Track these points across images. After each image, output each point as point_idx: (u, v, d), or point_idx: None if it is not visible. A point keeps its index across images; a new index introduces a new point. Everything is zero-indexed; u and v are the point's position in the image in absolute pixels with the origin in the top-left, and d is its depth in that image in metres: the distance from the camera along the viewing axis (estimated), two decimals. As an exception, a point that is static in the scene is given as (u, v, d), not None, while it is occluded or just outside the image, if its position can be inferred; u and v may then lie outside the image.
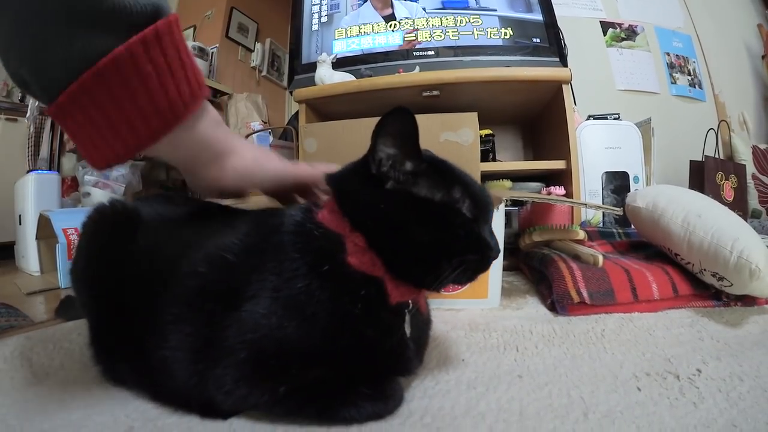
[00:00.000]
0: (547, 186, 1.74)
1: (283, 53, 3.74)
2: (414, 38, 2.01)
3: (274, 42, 3.66)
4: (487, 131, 1.89)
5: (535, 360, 0.72)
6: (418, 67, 1.91)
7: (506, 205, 1.25)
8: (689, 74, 2.71)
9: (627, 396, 0.58)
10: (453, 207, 0.55)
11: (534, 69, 1.75)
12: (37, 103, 2.52)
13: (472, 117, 1.20)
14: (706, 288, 0.99)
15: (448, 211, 0.54)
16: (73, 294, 0.70)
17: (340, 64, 1.97)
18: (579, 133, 1.82)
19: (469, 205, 0.55)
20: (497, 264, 0.96)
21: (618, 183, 1.88)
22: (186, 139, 0.51)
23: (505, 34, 1.96)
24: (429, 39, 2.00)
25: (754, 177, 2.35)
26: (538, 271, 1.19)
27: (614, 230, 1.52)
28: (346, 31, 2.09)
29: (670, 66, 2.68)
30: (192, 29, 3.32)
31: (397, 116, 0.52)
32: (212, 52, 3.14)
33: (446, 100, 1.77)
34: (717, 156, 2.30)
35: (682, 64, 2.71)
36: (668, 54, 2.69)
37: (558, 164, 1.71)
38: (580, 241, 1.26)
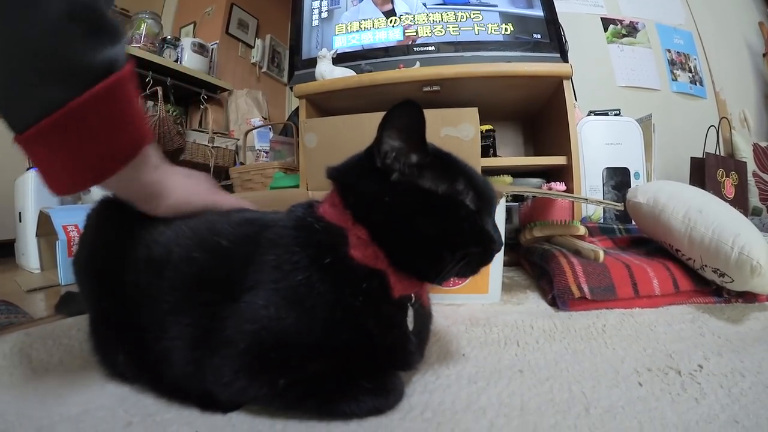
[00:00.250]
0: (548, 182, 1.74)
1: (283, 49, 3.74)
2: (414, 33, 2.00)
3: (274, 38, 3.66)
4: (488, 127, 1.89)
5: (536, 355, 0.72)
6: (418, 63, 1.90)
7: (507, 201, 1.25)
8: (690, 71, 2.71)
9: (628, 391, 0.58)
10: (456, 199, 0.54)
11: (535, 64, 1.74)
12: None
13: (473, 112, 1.19)
14: (707, 284, 0.99)
15: (452, 203, 0.54)
16: (73, 290, 0.70)
17: (340, 59, 1.97)
18: (580, 129, 1.82)
19: (472, 197, 0.55)
20: (498, 259, 0.95)
21: (619, 179, 1.88)
22: (127, 182, 0.57)
23: (506, 29, 1.96)
24: (429, 34, 2.00)
25: (754, 174, 2.35)
26: (538, 266, 1.19)
27: (615, 226, 1.52)
28: (347, 26, 2.09)
29: (671, 63, 2.67)
30: (192, 26, 3.32)
31: (404, 109, 0.51)
32: (212, 49, 3.14)
33: (447, 95, 1.77)
34: (718, 153, 2.30)
35: (683, 61, 2.71)
36: (669, 51, 2.69)
37: (558, 160, 1.71)
38: (580, 237, 1.26)
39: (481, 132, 1.77)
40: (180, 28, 3.35)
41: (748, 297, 0.97)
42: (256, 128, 2.72)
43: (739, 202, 2.16)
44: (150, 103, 2.67)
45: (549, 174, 1.87)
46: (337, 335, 0.51)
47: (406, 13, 2.03)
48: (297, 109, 2.10)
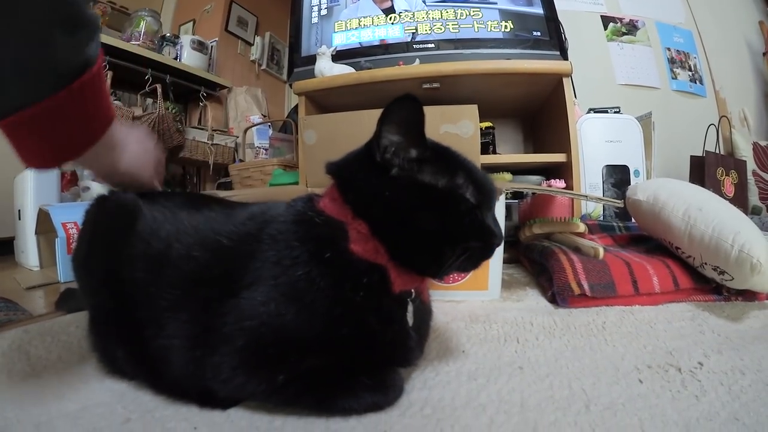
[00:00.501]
0: (548, 179, 1.74)
1: (282, 47, 3.73)
2: (414, 30, 2.00)
3: (273, 35, 3.65)
4: (488, 124, 1.89)
5: (535, 352, 0.72)
6: (418, 60, 1.90)
7: (506, 198, 1.25)
8: (690, 70, 2.71)
9: (629, 388, 0.58)
10: (457, 193, 0.54)
11: (534, 62, 1.74)
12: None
13: (472, 109, 1.19)
14: (707, 282, 0.99)
15: (452, 198, 0.54)
16: (73, 287, 0.70)
17: (339, 56, 1.97)
18: (579, 127, 1.82)
19: (472, 191, 0.55)
20: (497, 256, 0.95)
21: (618, 177, 1.87)
22: (91, 159, 0.64)
23: (506, 27, 1.96)
24: (429, 32, 1.99)
25: (754, 173, 2.35)
26: (538, 263, 1.19)
27: (614, 223, 1.52)
28: (346, 23, 2.08)
29: (671, 61, 2.67)
30: (191, 23, 3.32)
31: (403, 104, 0.51)
32: (212, 46, 3.13)
33: (446, 92, 1.77)
34: (717, 152, 2.30)
35: (683, 60, 2.70)
36: (669, 49, 2.69)
37: (558, 157, 1.71)
38: (580, 234, 1.26)
39: (481, 129, 1.77)
40: (179, 26, 3.34)
41: (748, 295, 0.97)
42: (255, 125, 2.72)
43: (739, 200, 2.16)
44: (149, 101, 2.67)
45: (549, 171, 1.87)
46: (337, 331, 0.51)
47: (406, 11, 2.03)
48: (296, 106, 2.10)
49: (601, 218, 1.80)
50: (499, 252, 0.62)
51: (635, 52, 2.64)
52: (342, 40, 2.08)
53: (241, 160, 2.78)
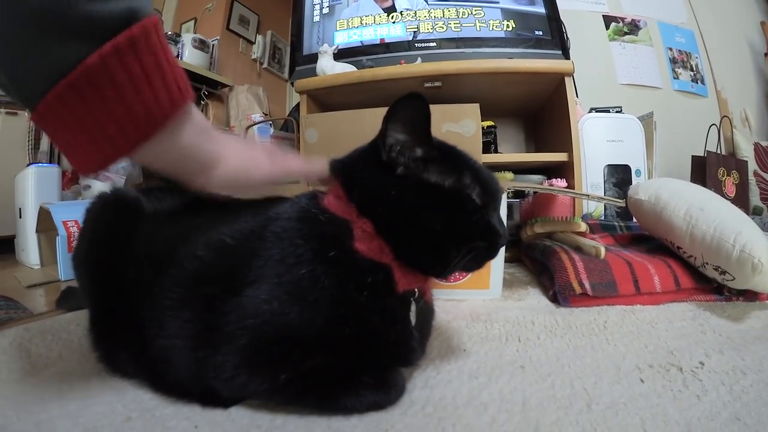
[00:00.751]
0: (549, 178, 1.73)
1: (284, 45, 3.73)
2: (416, 29, 2.00)
3: (275, 34, 3.65)
4: (489, 123, 1.89)
5: (537, 351, 0.72)
6: (419, 59, 1.90)
7: (508, 197, 1.25)
8: (692, 70, 2.70)
9: (630, 388, 0.58)
10: (463, 193, 0.54)
11: (536, 61, 1.74)
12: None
13: (474, 108, 1.19)
14: (708, 282, 0.99)
15: (459, 197, 0.54)
16: (74, 285, 0.70)
17: (341, 55, 1.97)
18: (581, 126, 1.82)
19: (479, 192, 0.55)
20: (499, 255, 0.95)
21: (620, 176, 1.87)
22: (168, 149, 0.50)
23: (508, 26, 1.95)
24: (431, 31, 1.99)
25: (755, 174, 2.35)
26: (539, 262, 1.19)
27: (616, 223, 1.52)
28: (348, 22, 2.08)
29: (673, 61, 2.67)
30: (193, 22, 3.31)
31: (409, 102, 0.51)
32: (213, 45, 3.13)
33: (448, 91, 1.77)
34: (719, 152, 2.29)
35: (685, 60, 2.70)
36: (671, 49, 2.68)
37: (560, 157, 1.70)
38: (582, 233, 1.26)
39: (483, 128, 1.77)
40: (180, 24, 3.34)
41: (749, 295, 0.97)
42: (256, 124, 2.72)
43: (740, 201, 2.15)
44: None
45: (550, 171, 1.87)
46: (340, 330, 0.51)
47: (407, 9, 2.03)
48: (298, 104, 2.10)
49: (603, 218, 1.80)
50: (501, 251, 0.62)
51: (637, 51, 2.64)
52: (344, 38, 2.07)
53: (242, 159, 2.77)
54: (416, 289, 0.58)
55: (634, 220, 1.33)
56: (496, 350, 0.72)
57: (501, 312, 0.93)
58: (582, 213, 1.73)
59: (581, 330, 0.81)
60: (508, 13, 1.98)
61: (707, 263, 0.95)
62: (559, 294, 0.98)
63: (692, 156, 2.20)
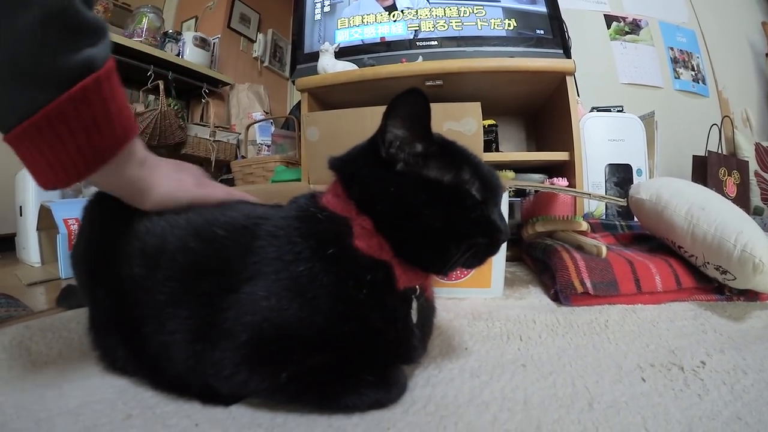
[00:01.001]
0: (550, 177, 1.73)
1: (285, 44, 3.73)
2: (417, 28, 2.00)
3: (276, 33, 3.65)
4: (490, 121, 1.88)
5: (538, 349, 0.72)
6: (421, 57, 1.90)
7: (509, 196, 1.25)
8: (693, 69, 2.70)
9: (632, 387, 0.58)
10: (463, 188, 0.54)
11: (537, 60, 1.74)
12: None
13: (475, 107, 1.19)
14: (709, 281, 0.99)
15: (459, 193, 0.54)
16: (74, 282, 0.70)
17: (342, 53, 1.97)
18: (582, 125, 1.82)
19: (478, 187, 0.55)
20: (501, 254, 0.95)
21: (621, 175, 1.87)
22: (112, 177, 0.58)
23: (509, 25, 1.95)
24: (432, 29, 1.99)
25: (756, 174, 2.34)
26: (541, 261, 1.19)
27: (617, 222, 1.51)
28: (349, 20, 2.08)
29: (674, 61, 2.67)
30: (194, 20, 3.32)
31: (409, 98, 0.51)
32: (214, 43, 3.13)
33: (449, 90, 1.77)
34: (720, 152, 2.29)
35: (686, 60, 2.70)
36: (672, 49, 2.68)
37: (561, 156, 1.70)
38: (583, 233, 1.26)
39: (484, 127, 1.77)
40: (181, 23, 3.34)
41: (750, 295, 0.97)
42: (257, 122, 2.72)
43: (741, 201, 2.15)
44: (151, 97, 2.67)
45: (551, 170, 1.87)
46: (340, 328, 0.50)
47: (408, 8, 2.02)
48: (299, 103, 2.10)
49: (604, 217, 1.80)
50: (502, 250, 0.62)
51: (638, 51, 2.64)
52: (345, 37, 2.07)
53: (243, 157, 2.78)
54: (417, 287, 0.57)
55: (635, 219, 1.33)
56: (498, 349, 0.72)
57: (502, 311, 0.93)
58: (583, 212, 1.73)
59: (582, 329, 0.81)
60: (509, 12, 1.97)
61: (708, 263, 0.95)
62: (560, 293, 0.98)
63: (693, 156, 2.19)
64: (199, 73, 2.91)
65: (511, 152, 2.13)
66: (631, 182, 1.83)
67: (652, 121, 2.01)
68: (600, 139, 1.88)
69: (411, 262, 0.54)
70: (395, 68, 1.76)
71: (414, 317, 0.57)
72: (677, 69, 2.66)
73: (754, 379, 0.59)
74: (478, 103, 1.19)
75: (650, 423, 0.49)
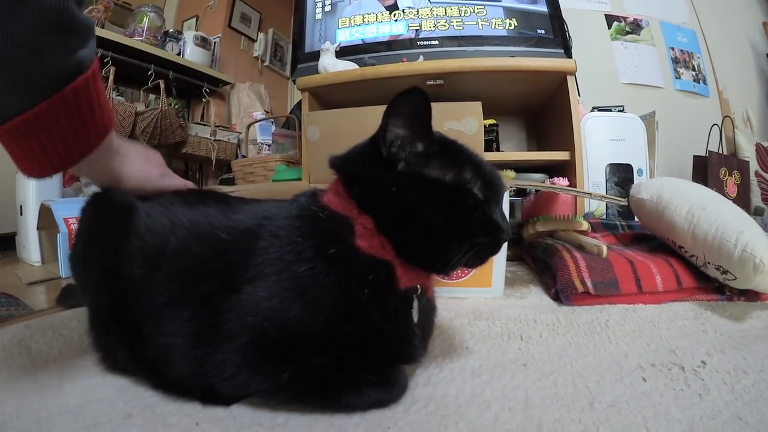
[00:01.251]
0: (551, 177, 1.73)
1: (285, 43, 3.73)
2: (418, 27, 2.00)
3: (276, 32, 3.65)
4: (491, 121, 1.88)
5: (539, 349, 0.72)
6: (421, 57, 1.89)
7: (510, 195, 1.25)
8: (694, 69, 2.70)
9: (632, 386, 0.58)
10: (464, 188, 0.54)
11: (538, 59, 1.74)
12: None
13: (476, 106, 1.19)
14: (709, 281, 0.99)
15: (460, 192, 0.54)
16: (73, 281, 0.70)
17: (343, 53, 1.97)
18: (583, 125, 1.81)
19: (480, 186, 0.55)
20: (502, 253, 0.95)
21: (621, 175, 1.87)
22: (90, 168, 0.63)
23: (510, 24, 1.95)
24: (433, 29, 1.99)
25: (757, 174, 2.34)
26: (541, 261, 1.19)
27: (617, 222, 1.51)
28: (350, 20, 2.08)
29: (675, 61, 2.67)
30: (194, 19, 3.32)
31: (410, 97, 0.51)
32: (215, 42, 3.13)
33: (450, 89, 1.77)
34: (720, 152, 2.29)
35: (687, 60, 2.70)
36: (673, 49, 2.68)
37: (562, 155, 1.70)
38: (583, 232, 1.26)
39: (485, 126, 1.76)
40: (182, 22, 3.34)
41: (750, 295, 0.97)
42: (258, 121, 2.72)
43: (742, 201, 2.14)
44: (152, 97, 2.67)
45: (552, 169, 1.87)
46: (342, 328, 0.50)
47: (409, 7, 2.02)
48: (299, 102, 2.09)
49: (604, 216, 1.80)
50: (503, 249, 0.62)
51: (639, 51, 2.64)
52: (346, 36, 2.07)
53: (243, 156, 2.78)
54: (418, 286, 0.57)
55: (636, 219, 1.33)
56: (499, 348, 0.72)
57: (503, 310, 0.93)
58: (584, 212, 1.73)
59: (583, 328, 0.81)
60: (510, 12, 1.97)
61: (709, 263, 0.95)
62: (561, 292, 0.98)
63: (694, 156, 2.19)
64: (200, 73, 2.91)
65: (512, 152, 2.13)
66: (632, 182, 1.83)
67: (653, 121, 2.01)
68: (601, 139, 1.88)
69: (412, 261, 0.54)
70: (396, 68, 1.76)
71: (415, 317, 0.56)
72: (678, 69, 2.66)
73: (755, 379, 0.59)
74: (479, 103, 1.19)
75: (651, 422, 0.49)
